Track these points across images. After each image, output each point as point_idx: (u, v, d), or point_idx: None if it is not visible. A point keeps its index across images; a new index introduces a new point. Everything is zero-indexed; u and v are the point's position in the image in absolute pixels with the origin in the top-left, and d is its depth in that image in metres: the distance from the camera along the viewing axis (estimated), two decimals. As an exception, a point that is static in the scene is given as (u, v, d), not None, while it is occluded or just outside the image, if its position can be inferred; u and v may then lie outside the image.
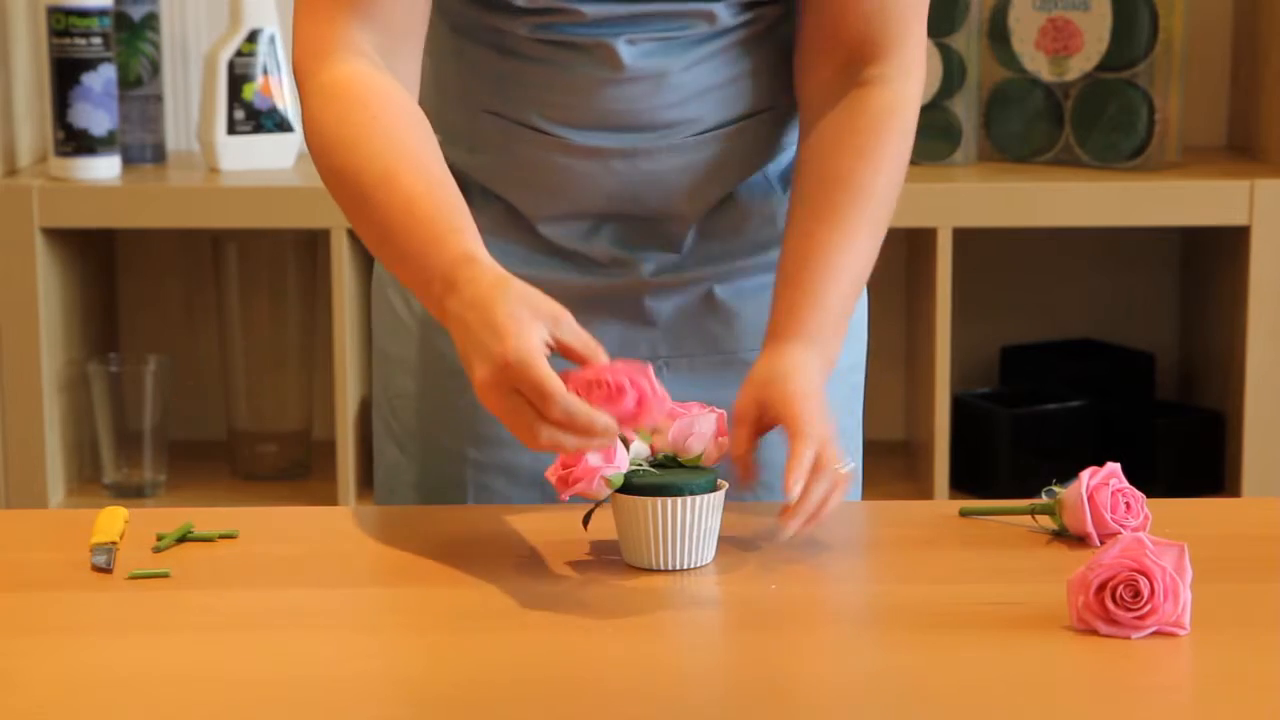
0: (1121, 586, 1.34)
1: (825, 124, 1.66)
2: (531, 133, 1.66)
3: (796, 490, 1.48)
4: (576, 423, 1.39)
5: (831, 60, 1.66)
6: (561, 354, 1.43)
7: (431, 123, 1.60)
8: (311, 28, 1.59)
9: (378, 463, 1.80)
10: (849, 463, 1.53)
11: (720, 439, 1.52)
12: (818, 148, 1.65)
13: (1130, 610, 1.34)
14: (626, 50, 1.63)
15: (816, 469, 1.50)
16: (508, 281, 1.44)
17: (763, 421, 1.55)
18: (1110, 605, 1.34)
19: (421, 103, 1.69)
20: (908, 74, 1.67)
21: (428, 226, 1.49)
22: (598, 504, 1.50)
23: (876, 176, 1.64)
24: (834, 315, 1.61)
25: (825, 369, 1.60)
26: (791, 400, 1.53)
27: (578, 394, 1.40)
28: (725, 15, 1.64)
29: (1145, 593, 1.34)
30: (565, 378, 1.41)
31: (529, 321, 1.41)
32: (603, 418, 1.39)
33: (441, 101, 1.69)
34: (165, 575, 1.49)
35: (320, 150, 1.56)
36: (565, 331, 1.42)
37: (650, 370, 1.43)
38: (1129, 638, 1.34)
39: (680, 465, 1.51)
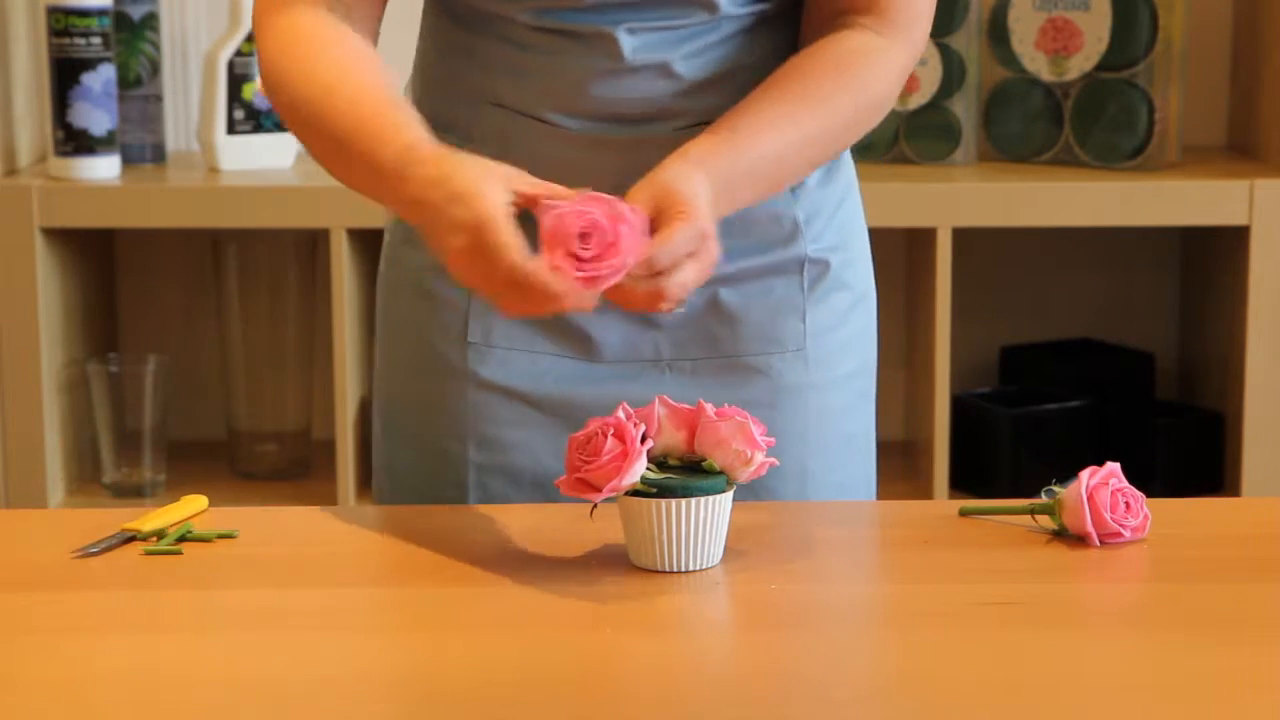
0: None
1: (807, 49, 1.65)
2: (534, 124, 1.66)
3: (663, 257, 1.46)
4: (532, 284, 1.41)
5: (828, 9, 1.66)
6: (526, 205, 1.46)
7: (431, 118, 1.61)
8: None
9: (376, 464, 1.80)
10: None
11: (740, 449, 1.50)
12: (793, 61, 1.64)
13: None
14: (627, 40, 1.63)
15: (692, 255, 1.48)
16: (454, 153, 1.48)
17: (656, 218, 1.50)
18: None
19: (420, 96, 1.70)
20: (907, 44, 1.66)
21: (371, 126, 1.53)
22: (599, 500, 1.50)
23: (831, 90, 1.62)
24: (746, 166, 1.58)
25: (717, 206, 1.54)
26: (684, 196, 1.50)
27: (571, 244, 1.41)
28: (727, 4, 1.64)
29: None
30: (556, 225, 1.42)
31: (487, 182, 1.44)
32: (561, 283, 1.41)
33: (444, 95, 1.70)
34: (178, 554, 1.52)
35: (274, 88, 1.61)
36: (522, 183, 1.46)
37: (621, 207, 1.44)
38: None
39: (689, 467, 1.50)
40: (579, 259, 1.42)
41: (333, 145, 1.57)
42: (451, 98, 1.69)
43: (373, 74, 1.58)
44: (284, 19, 1.62)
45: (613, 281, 1.43)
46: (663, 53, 1.64)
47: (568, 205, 1.43)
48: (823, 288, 1.73)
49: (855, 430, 1.78)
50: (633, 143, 1.65)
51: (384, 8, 1.68)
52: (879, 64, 1.65)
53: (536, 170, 1.66)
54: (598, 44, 1.63)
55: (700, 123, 1.65)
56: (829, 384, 1.74)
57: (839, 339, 1.75)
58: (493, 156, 1.60)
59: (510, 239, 1.42)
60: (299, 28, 1.62)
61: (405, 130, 1.52)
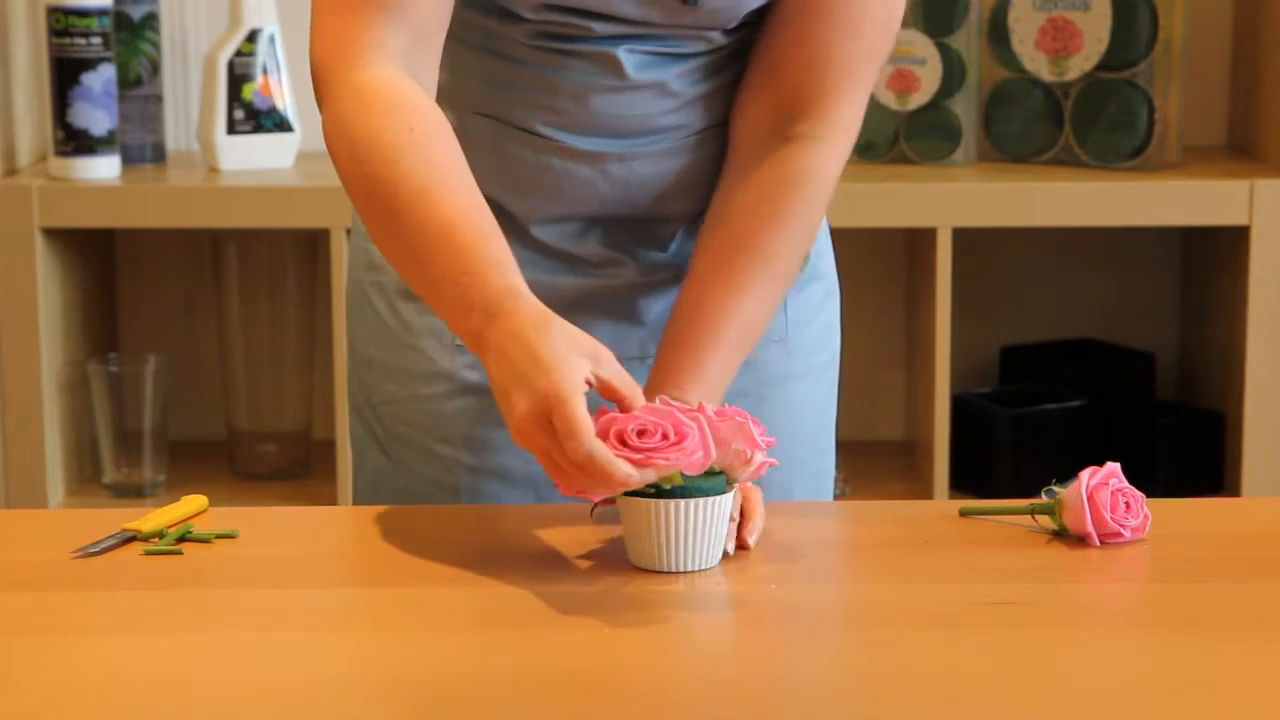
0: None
1: (743, 181, 1.66)
2: (526, 135, 1.66)
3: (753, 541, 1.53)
4: (595, 466, 1.39)
5: (766, 103, 1.67)
6: (601, 393, 1.44)
7: None
8: (338, 24, 1.56)
9: (359, 468, 1.79)
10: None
11: (741, 449, 1.50)
12: (730, 204, 1.66)
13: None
14: (629, 60, 1.63)
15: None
16: (550, 318, 1.44)
17: None
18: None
19: None
20: (835, 133, 1.67)
21: (467, 253, 1.48)
22: (599, 501, 1.50)
23: (778, 241, 1.65)
24: (714, 381, 1.62)
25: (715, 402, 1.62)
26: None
27: (638, 436, 1.42)
28: (719, 36, 1.66)
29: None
30: (610, 421, 1.42)
31: (572, 358, 1.41)
32: (623, 467, 1.39)
33: None
34: (178, 554, 1.51)
35: (350, 157, 1.53)
36: (606, 369, 1.43)
37: (703, 410, 1.45)
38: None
39: None
40: (632, 447, 1.42)
41: (412, 252, 1.50)
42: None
43: (465, 182, 1.52)
44: (358, 75, 1.53)
45: (668, 466, 1.42)
46: (659, 73, 1.65)
47: (664, 414, 1.44)
48: (801, 278, 1.75)
49: (829, 420, 1.81)
50: (625, 154, 1.66)
51: (444, 39, 1.61)
52: (821, 179, 1.66)
53: (528, 180, 1.67)
54: (601, 62, 1.64)
55: (688, 135, 1.67)
56: (808, 372, 1.77)
57: (816, 328, 1.78)
58: (481, 166, 1.60)
59: (581, 421, 1.38)
60: (376, 90, 1.53)
61: (503, 270, 1.48)
